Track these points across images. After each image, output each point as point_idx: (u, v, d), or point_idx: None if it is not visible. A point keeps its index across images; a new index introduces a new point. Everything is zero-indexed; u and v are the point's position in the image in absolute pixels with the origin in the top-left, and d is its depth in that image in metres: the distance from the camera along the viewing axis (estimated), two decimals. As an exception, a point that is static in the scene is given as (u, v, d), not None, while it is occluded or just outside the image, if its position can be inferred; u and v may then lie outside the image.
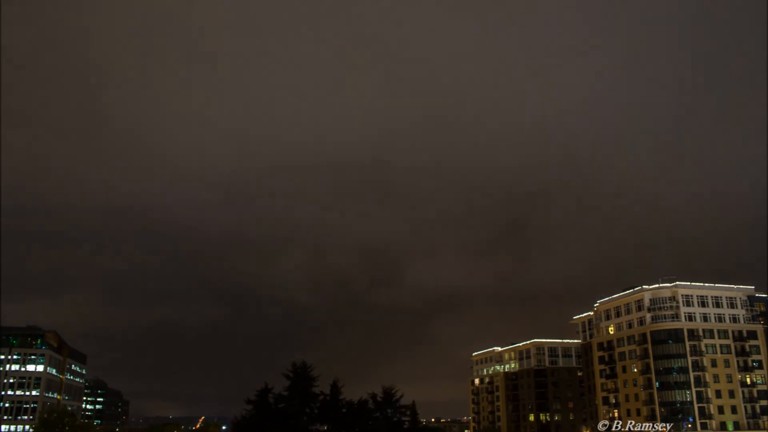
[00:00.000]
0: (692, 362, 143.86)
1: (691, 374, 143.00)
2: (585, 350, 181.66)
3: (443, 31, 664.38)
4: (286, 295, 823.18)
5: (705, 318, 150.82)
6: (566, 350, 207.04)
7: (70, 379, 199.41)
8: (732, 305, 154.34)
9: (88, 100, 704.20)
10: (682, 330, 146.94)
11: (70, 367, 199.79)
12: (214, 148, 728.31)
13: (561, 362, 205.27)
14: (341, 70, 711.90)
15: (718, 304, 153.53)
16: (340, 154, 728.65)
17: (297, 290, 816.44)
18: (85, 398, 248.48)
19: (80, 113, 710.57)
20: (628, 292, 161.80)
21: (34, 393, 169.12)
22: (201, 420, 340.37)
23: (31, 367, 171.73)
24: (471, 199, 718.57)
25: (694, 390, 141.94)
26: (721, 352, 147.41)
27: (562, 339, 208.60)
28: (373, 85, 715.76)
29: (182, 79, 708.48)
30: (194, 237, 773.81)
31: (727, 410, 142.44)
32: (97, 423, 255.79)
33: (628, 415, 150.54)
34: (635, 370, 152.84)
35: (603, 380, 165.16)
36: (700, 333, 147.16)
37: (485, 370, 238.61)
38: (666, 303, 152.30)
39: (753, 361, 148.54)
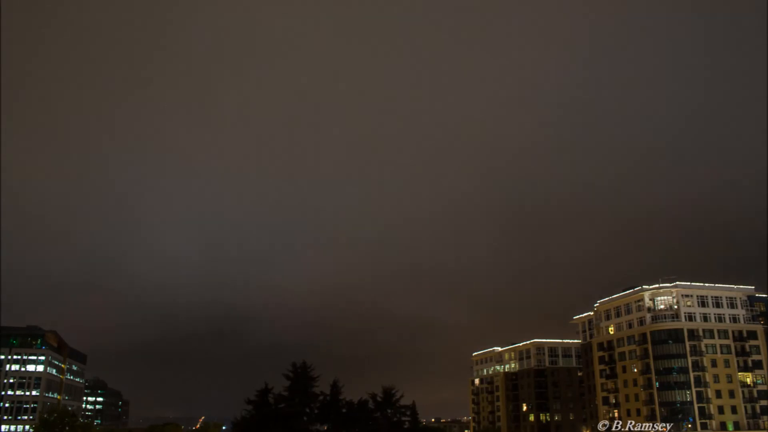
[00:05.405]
0: (692, 362, 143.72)
1: (691, 374, 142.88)
2: (585, 350, 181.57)
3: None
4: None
5: (705, 318, 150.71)
6: (566, 350, 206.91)
7: (70, 379, 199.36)
8: (732, 305, 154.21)
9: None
10: (682, 330, 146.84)
11: (70, 367, 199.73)
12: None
13: (561, 362, 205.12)
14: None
15: (718, 304, 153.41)
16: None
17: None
18: (85, 398, 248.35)
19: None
20: (628, 292, 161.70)
21: (34, 393, 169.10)
22: (201, 420, 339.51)
23: (31, 367, 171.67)
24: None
25: (694, 390, 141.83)
26: (721, 352, 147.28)
27: (562, 339, 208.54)
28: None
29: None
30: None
31: (727, 410, 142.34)
32: (97, 423, 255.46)
33: (628, 415, 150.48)
34: (635, 370, 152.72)
35: (603, 380, 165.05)
36: (700, 333, 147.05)
37: (485, 370, 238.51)
38: (666, 303, 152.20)
39: (753, 361, 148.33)
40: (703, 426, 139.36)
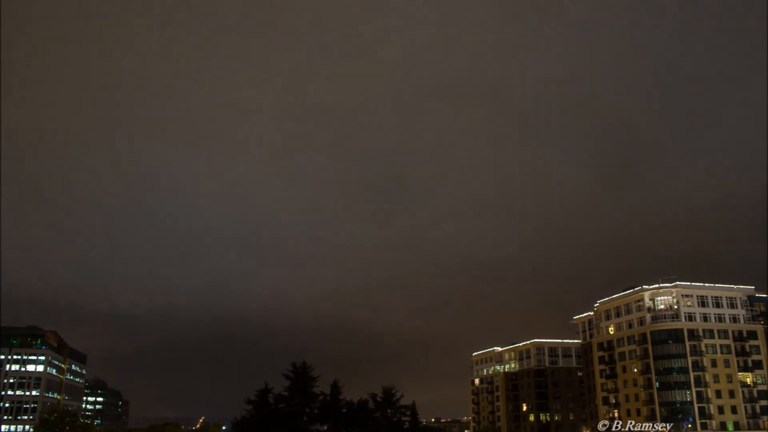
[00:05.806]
0: (692, 362, 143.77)
1: (691, 374, 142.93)
2: (585, 350, 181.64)
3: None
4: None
5: (705, 318, 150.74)
6: (566, 350, 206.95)
7: (70, 379, 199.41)
8: (732, 305, 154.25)
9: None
10: (682, 330, 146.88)
11: (70, 367, 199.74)
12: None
13: (561, 362, 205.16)
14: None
15: (718, 304, 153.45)
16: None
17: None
18: (85, 398, 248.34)
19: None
20: (628, 292, 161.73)
21: (34, 393, 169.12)
22: (201, 420, 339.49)
23: (31, 367, 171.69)
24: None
25: (694, 390, 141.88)
26: (721, 352, 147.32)
27: (562, 339, 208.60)
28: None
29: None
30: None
31: (727, 410, 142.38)
32: (97, 423, 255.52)
33: (628, 415, 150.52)
34: (635, 370, 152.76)
35: (603, 380, 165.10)
36: (700, 333, 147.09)
37: (485, 370, 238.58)
38: (666, 303, 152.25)
39: (753, 361, 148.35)
40: (703, 426, 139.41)
